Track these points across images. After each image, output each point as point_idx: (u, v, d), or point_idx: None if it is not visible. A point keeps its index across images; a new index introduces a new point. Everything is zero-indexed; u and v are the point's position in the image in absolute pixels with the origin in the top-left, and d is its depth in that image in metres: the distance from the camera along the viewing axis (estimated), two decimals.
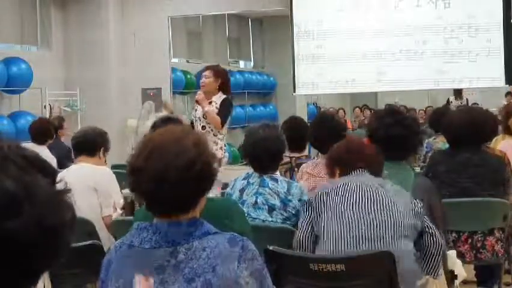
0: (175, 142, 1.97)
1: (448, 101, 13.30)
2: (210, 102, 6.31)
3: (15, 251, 1.01)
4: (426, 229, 2.94)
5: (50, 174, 1.10)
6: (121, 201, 4.52)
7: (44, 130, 6.86)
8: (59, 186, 1.11)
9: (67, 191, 1.11)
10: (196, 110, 6.38)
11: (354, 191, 2.95)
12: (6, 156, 1.05)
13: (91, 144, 4.54)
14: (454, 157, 4.42)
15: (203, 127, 6.20)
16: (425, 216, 2.99)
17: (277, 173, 3.79)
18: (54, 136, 7.19)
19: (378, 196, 2.92)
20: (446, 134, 4.66)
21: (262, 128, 3.74)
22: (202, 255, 1.93)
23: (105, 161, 4.80)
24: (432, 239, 2.94)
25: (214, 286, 1.90)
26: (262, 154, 3.65)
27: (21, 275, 1.04)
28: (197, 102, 6.31)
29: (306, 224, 3.00)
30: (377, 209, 2.88)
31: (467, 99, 13.30)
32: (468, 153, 4.38)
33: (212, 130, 6.25)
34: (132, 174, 2.00)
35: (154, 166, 1.94)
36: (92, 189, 4.32)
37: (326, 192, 2.99)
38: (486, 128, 4.49)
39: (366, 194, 2.93)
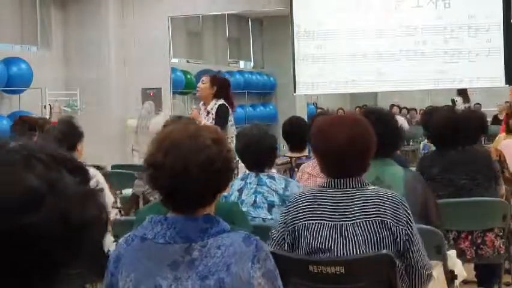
0: (194, 138, 1.97)
1: (453, 102, 13.23)
2: (208, 113, 6.42)
3: (37, 243, 1.02)
4: (413, 264, 2.66)
5: (79, 172, 1.11)
6: (112, 199, 4.49)
7: (29, 127, 6.77)
8: (92, 184, 1.12)
9: (97, 190, 1.12)
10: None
11: (325, 239, 2.66)
12: (32, 154, 1.07)
13: (69, 145, 4.24)
14: (444, 157, 4.46)
15: None
16: (410, 240, 2.64)
17: (274, 170, 3.82)
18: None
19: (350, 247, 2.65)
20: (430, 135, 4.76)
21: (251, 128, 3.79)
22: (217, 254, 1.93)
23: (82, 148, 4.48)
24: (416, 274, 2.68)
25: (227, 285, 1.90)
26: (256, 153, 3.68)
27: (45, 268, 1.05)
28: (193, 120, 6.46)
29: (277, 240, 2.77)
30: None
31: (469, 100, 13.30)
32: (455, 152, 4.44)
33: None
34: (151, 169, 1.99)
35: (174, 161, 1.94)
36: None
37: (297, 228, 2.72)
38: (466, 128, 4.54)
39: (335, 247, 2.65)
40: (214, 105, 6.52)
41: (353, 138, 2.67)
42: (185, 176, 1.92)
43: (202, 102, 6.71)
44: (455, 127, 4.47)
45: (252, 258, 1.93)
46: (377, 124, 3.45)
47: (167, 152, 1.96)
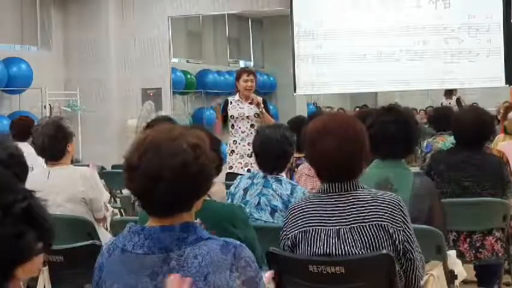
0: (171, 141, 1.94)
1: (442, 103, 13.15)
2: (258, 104, 6.66)
3: None
4: (412, 263, 2.67)
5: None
6: (108, 197, 4.54)
7: (26, 127, 6.78)
8: None
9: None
10: (241, 108, 6.72)
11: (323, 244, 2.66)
12: None
13: (58, 148, 4.19)
14: (454, 156, 4.44)
15: (252, 125, 6.65)
16: (409, 241, 2.65)
17: (283, 173, 3.78)
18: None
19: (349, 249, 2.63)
20: (455, 132, 4.67)
21: (271, 128, 3.75)
22: (194, 264, 1.90)
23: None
24: (415, 273, 2.69)
25: None
26: (268, 154, 3.65)
27: None
28: (258, 104, 6.65)
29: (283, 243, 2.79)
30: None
31: (457, 98, 13.18)
32: (469, 152, 4.40)
33: None
34: (126, 171, 1.98)
35: (148, 164, 1.92)
36: (79, 200, 4.16)
37: (296, 235, 2.72)
38: (491, 127, 4.56)
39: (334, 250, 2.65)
40: (255, 97, 6.77)
41: (340, 146, 2.64)
42: (159, 179, 1.90)
43: (237, 99, 6.78)
44: (484, 126, 4.46)
45: (230, 267, 1.90)
46: (396, 125, 3.44)
47: (143, 153, 1.93)
